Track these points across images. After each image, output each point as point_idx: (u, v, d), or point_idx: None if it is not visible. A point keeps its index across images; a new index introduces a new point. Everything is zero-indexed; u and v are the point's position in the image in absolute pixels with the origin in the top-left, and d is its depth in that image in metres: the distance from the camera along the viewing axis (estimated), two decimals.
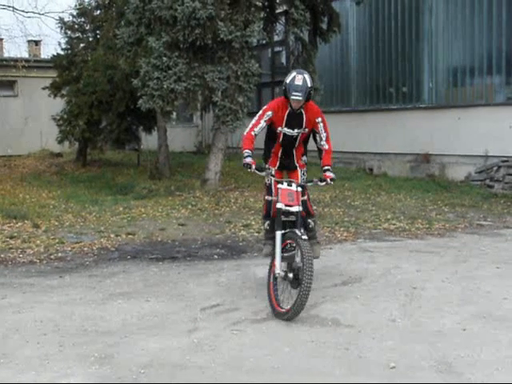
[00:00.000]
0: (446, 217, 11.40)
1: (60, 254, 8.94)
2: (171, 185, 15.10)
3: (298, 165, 6.91)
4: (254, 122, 6.68)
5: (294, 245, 6.20)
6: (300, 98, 6.37)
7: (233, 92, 13.71)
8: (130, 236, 10.09)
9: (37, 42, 28.67)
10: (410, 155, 16.46)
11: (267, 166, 6.84)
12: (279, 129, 6.67)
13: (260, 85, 18.34)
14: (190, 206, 12.60)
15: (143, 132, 19.55)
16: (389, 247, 9.20)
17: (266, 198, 6.90)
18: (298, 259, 6.12)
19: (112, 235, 10.11)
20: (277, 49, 21.51)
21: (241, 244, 9.58)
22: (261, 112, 6.73)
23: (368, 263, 8.19)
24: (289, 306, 6.00)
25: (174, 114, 19.32)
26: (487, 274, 7.61)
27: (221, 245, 9.50)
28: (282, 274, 6.21)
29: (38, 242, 9.63)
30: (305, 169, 6.94)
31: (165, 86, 13.24)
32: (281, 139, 6.76)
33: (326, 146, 6.73)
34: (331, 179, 6.53)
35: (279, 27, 17.59)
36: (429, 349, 5.19)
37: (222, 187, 14.63)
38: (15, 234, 10.05)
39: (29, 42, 28.12)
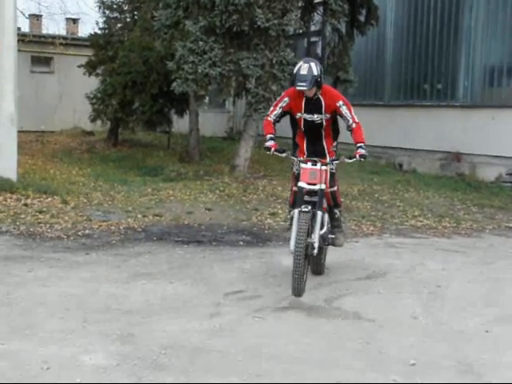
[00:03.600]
0: (474, 217, 11.29)
1: (87, 232, 9.03)
2: (200, 169, 15.13)
3: (327, 152, 6.78)
4: (271, 108, 6.78)
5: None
6: (305, 88, 6.36)
7: (267, 80, 13.66)
8: (156, 217, 10.14)
9: (75, 20, 28.82)
10: (441, 153, 16.30)
11: (296, 157, 6.76)
12: (298, 114, 6.66)
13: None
14: (217, 191, 12.62)
15: (175, 115, 19.57)
16: (415, 244, 9.15)
17: (294, 188, 6.86)
18: (312, 236, 6.24)
19: (139, 216, 10.18)
20: (313, 39, 21.33)
21: (266, 232, 9.59)
22: (278, 98, 6.83)
23: (393, 259, 8.17)
24: None
25: (207, 98, 19.33)
26: None
27: (247, 232, 9.52)
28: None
29: (66, 218, 9.73)
30: (335, 156, 6.80)
31: (199, 71, 13.24)
32: (302, 126, 6.73)
33: (354, 125, 6.57)
34: (361, 155, 6.43)
35: (316, 17, 17.50)
36: (450, 348, 5.18)
37: (250, 174, 14.63)
38: (44, 209, 10.16)
39: (67, 19, 28.29)
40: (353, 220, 10.46)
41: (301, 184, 6.35)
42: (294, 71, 6.50)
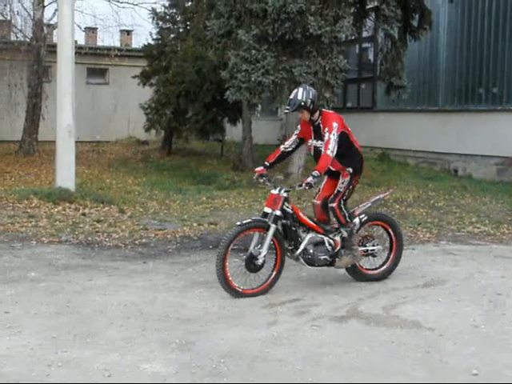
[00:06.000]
0: None
1: (144, 240, 9.15)
2: (254, 177, 15.14)
3: (341, 173, 6.98)
4: (289, 137, 7.24)
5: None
6: (286, 111, 7.05)
7: (319, 87, 13.65)
8: (212, 226, 10.22)
9: (128, 32, 29.31)
10: (497, 158, 16.03)
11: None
12: (309, 142, 6.94)
13: (346, 81, 18.24)
14: None
15: (228, 123, 19.71)
16: (472, 251, 9.00)
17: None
18: (257, 248, 6.65)
19: (195, 224, 10.27)
20: (365, 45, 21.32)
21: None
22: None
23: (451, 266, 8.05)
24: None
25: (260, 106, 19.41)
26: None
27: None
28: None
29: (124, 227, 9.88)
30: (347, 178, 6.92)
31: (252, 79, 13.33)
32: (313, 154, 7.01)
33: (322, 153, 6.64)
34: (306, 183, 6.49)
35: (369, 23, 17.43)
36: None
37: None
38: (102, 218, 10.34)
39: (121, 31, 28.75)
40: (409, 227, 10.36)
41: (265, 210, 6.69)
42: None
